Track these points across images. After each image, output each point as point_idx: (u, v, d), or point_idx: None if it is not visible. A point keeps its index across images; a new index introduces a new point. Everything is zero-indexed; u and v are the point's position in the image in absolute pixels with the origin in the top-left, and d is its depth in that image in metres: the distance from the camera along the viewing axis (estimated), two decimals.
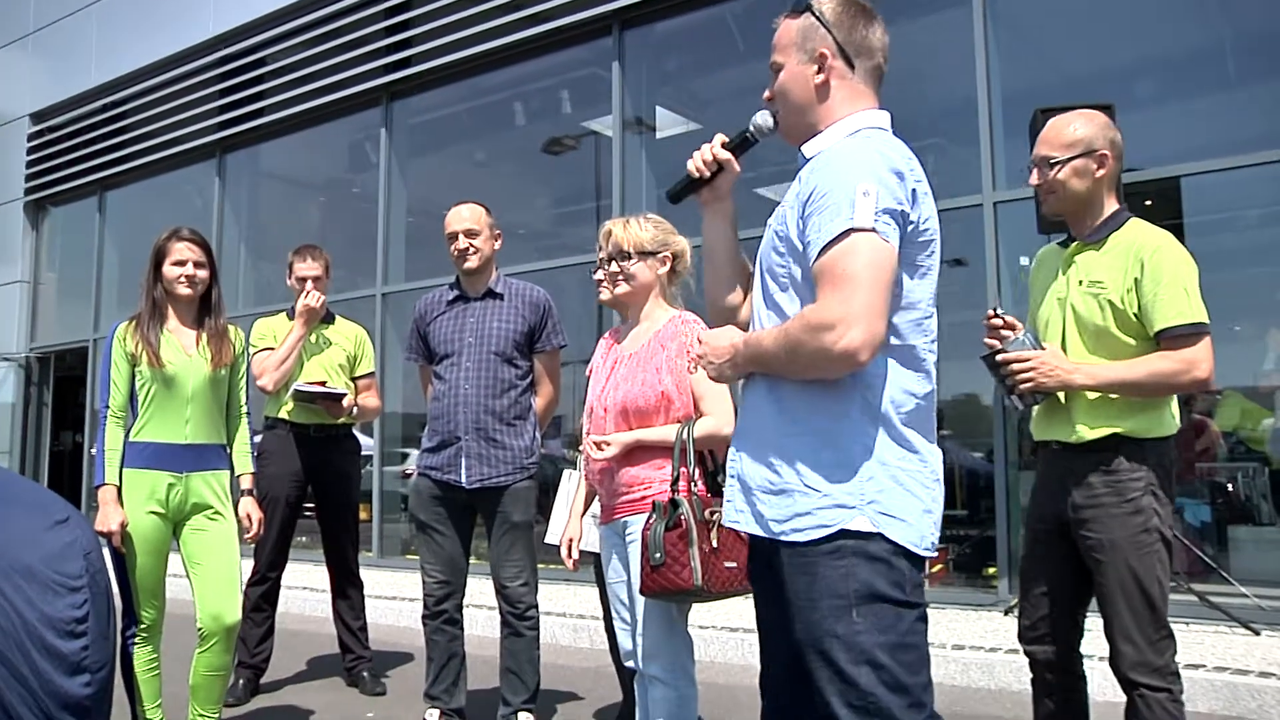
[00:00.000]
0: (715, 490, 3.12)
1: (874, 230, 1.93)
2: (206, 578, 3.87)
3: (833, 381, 2.01)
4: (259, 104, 11.45)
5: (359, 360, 5.57)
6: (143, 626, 3.86)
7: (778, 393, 2.10)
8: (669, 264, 3.42)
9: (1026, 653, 3.14)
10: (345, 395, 5.21)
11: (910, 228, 2.01)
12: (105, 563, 3.36)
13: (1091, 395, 2.95)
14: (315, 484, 5.39)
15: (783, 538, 2.04)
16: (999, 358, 3.07)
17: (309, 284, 5.28)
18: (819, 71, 2.15)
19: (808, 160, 2.16)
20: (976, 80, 7.13)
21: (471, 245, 4.39)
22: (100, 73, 13.33)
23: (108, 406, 3.90)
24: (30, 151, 14.38)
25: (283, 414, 5.26)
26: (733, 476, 2.20)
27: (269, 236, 12.50)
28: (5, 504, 3.54)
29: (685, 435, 3.15)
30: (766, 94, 2.26)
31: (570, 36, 9.25)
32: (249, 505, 4.06)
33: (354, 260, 10.68)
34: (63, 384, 14.55)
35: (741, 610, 6.30)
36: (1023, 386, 3.01)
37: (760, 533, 2.11)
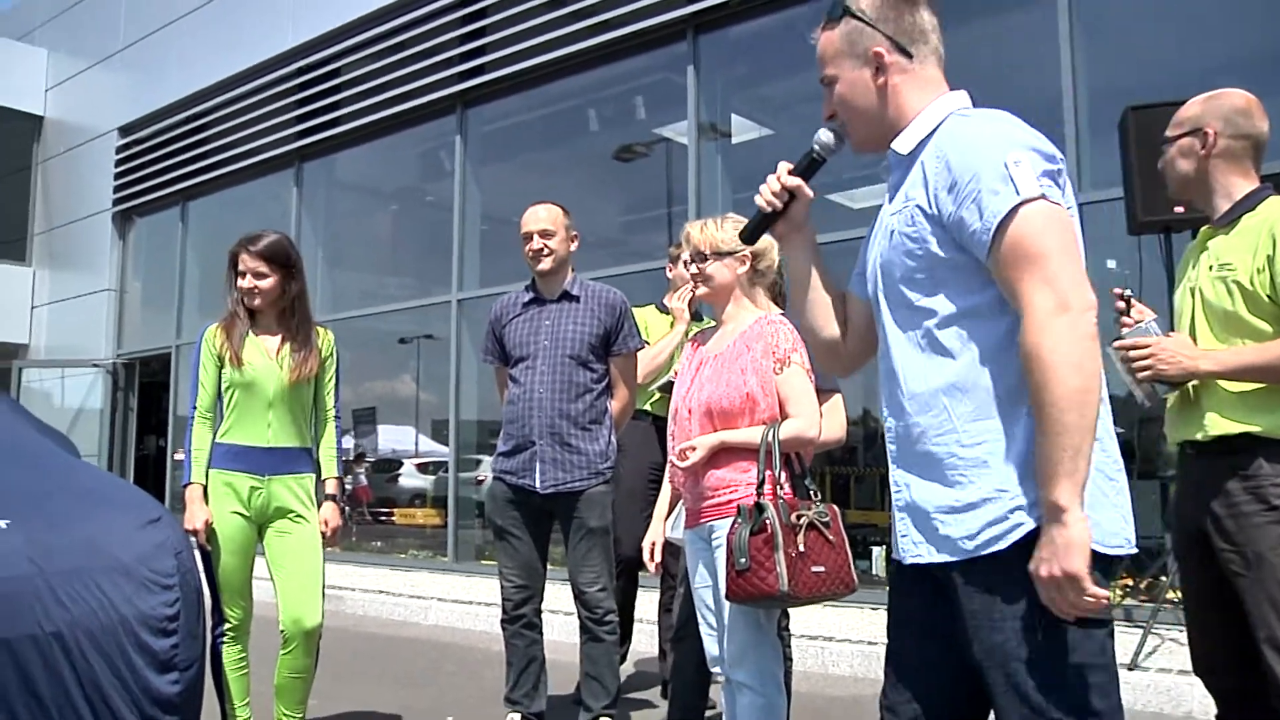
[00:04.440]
0: (802, 493, 3.03)
1: (1043, 198, 1.76)
2: (288, 581, 3.88)
3: (1003, 379, 1.82)
4: (335, 113, 11.54)
5: None
6: (230, 625, 3.89)
7: (939, 405, 1.89)
8: (748, 263, 3.33)
9: (1207, 686, 2.89)
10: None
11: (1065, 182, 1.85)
12: (195, 563, 3.36)
13: (1223, 388, 2.71)
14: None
15: (980, 553, 1.82)
16: (1114, 344, 2.89)
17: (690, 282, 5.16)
18: (878, 72, 1.98)
19: (902, 157, 1.99)
20: (1062, 81, 6.91)
21: (546, 246, 4.32)
22: (183, 86, 13.56)
23: (195, 407, 3.96)
24: (118, 164, 14.68)
25: (647, 406, 5.14)
26: (901, 508, 1.97)
27: (345, 244, 12.60)
28: (101, 503, 3.56)
29: (771, 437, 3.06)
30: (826, 112, 2.10)
31: (644, 42, 9.17)
32: (329, 511, 4.01)
33: (429, 267, 10.72)
34: (147, 389, 14.80)
35: (821, 618, 6.18)
36: (1141, 375, 2.83)
37: (949, 558, 1.87)
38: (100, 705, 3.15)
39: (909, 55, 1.98)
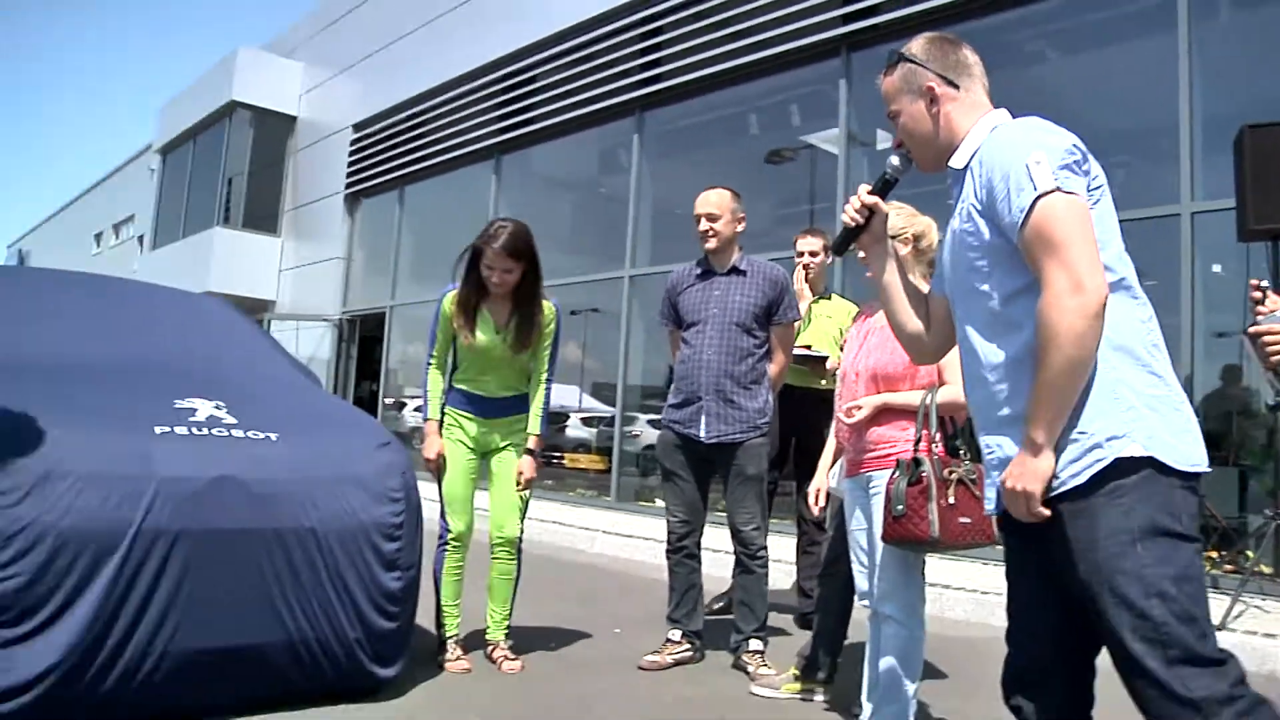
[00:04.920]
0: (953, 452, 2.91)
1: (1058, 189, 1.81)
2: (496, 499, 4.01)
3: None
4: (530, 114, 11.61)
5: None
6: (453, 535, 3.95)
7: (1014, 372, 1.89)
8: (910, 244, 3.18)
9: None
10: (828, 358, 4.99)
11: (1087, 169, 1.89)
12: (416, 481, 3.39)
13: None
14: (797, 437, 5.13)
15: (1063, 488, 1.80)
16: (1249, 330, 2.63)
17: (806, 257, 5.18)
18: (932, 103, 2.08)
19: (958, 170, 2.04)
20: (1179, 97, 6.46)
21: (712, 228, 4.21)
22: (405, 90, 13.85)
23: (432, 355, 4.05)
24: (350, 155, 15.11)
25: None
26: (995, 466, 1.94)
27: (537, 226, 12.56)
28: (342, 426, 3.64)
29: (929, 401, 2.94)
30: (896, 141, 2.20)
31: (802, 57, 8.90)
32: (526, 464, 4.00)
33: (606, 246, 10.72)
34: (365, 342, 15.24)
35: (939, 567, 5.95)
36: (1273, 359, 2.57)
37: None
38: (343, 592, 3.24)
39: (956, 86, 2.08)
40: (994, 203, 1.89)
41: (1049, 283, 1.78)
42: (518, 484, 3.97)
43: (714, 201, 4.25)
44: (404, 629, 3.42)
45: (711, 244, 4.23)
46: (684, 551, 4.21)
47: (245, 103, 16.92)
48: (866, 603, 3.15)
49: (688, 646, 4.15)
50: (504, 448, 4.02)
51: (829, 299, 5.29)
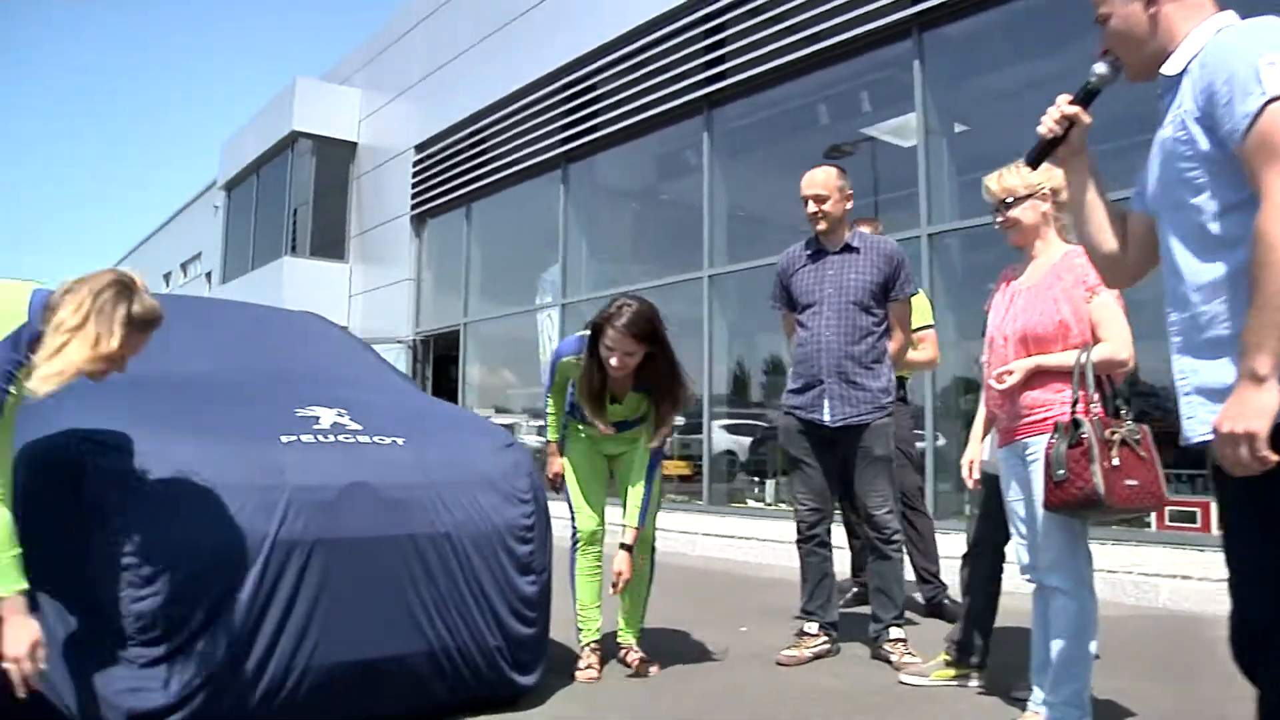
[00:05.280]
0: (1112, 412, 2.79)
1: None
2: (626, 497, 3.84)
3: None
4: (595, 120, 11.60)
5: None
6: (584, 535, 3.88)
7: (1222, 292, 1.76)
8: (1048, 200, 3.07)
9: None
10: None
11: None
12: (541, 481, 3.34)
13: None
14: None
15: None
16: None
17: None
18: (1150, 3, 1.90)
19: (1171, 78, 1.87)
20: None
21: (820, 210, 4.11)
22: (465, 108, 13.95)
23: (549, 389, 3.96)
24: (414, 176, 15.26)
25: None
26: (1188, 393, 1.81)
27: (606, 233, 12.64)
28: (463, 429, 3.57)
29: (1084, 360, 2.82)
30: (1102, 47, 2.01)
31: (872, 41, 8.76)
32: (621, 561, 3.71)
33: (681, 249, 10.65)
34: (440, 361, 15.33)
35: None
36: None
37: None
38: (481, 598, 3.17)
39: None
40: (1214, 108, 1.74)
41: (1269, 192, 1.64)
42: (614, 585, 3.74)
43: (820, 181, 4.15)
44: (541, 635, 3.35)
45: (821, 225, 4.14)
46: (815, 540, 4.11)
47: (306, 132, 17.24)
48: (1029, 577, 3.03)
49: (825, 639, 4.05)
50: (628, 453, 3.89)
51: None
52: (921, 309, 4.94)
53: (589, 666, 3.76)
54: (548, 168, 12.60)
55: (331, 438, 3.17)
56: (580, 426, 3.92)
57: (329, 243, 17.15)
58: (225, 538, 2.75)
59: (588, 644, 3.83)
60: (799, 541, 4.14)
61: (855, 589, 5.15)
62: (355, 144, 17.29)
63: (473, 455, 3.39)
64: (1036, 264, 3.10)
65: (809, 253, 4.23)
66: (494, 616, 3.18)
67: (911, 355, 4.75)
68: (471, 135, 13.94)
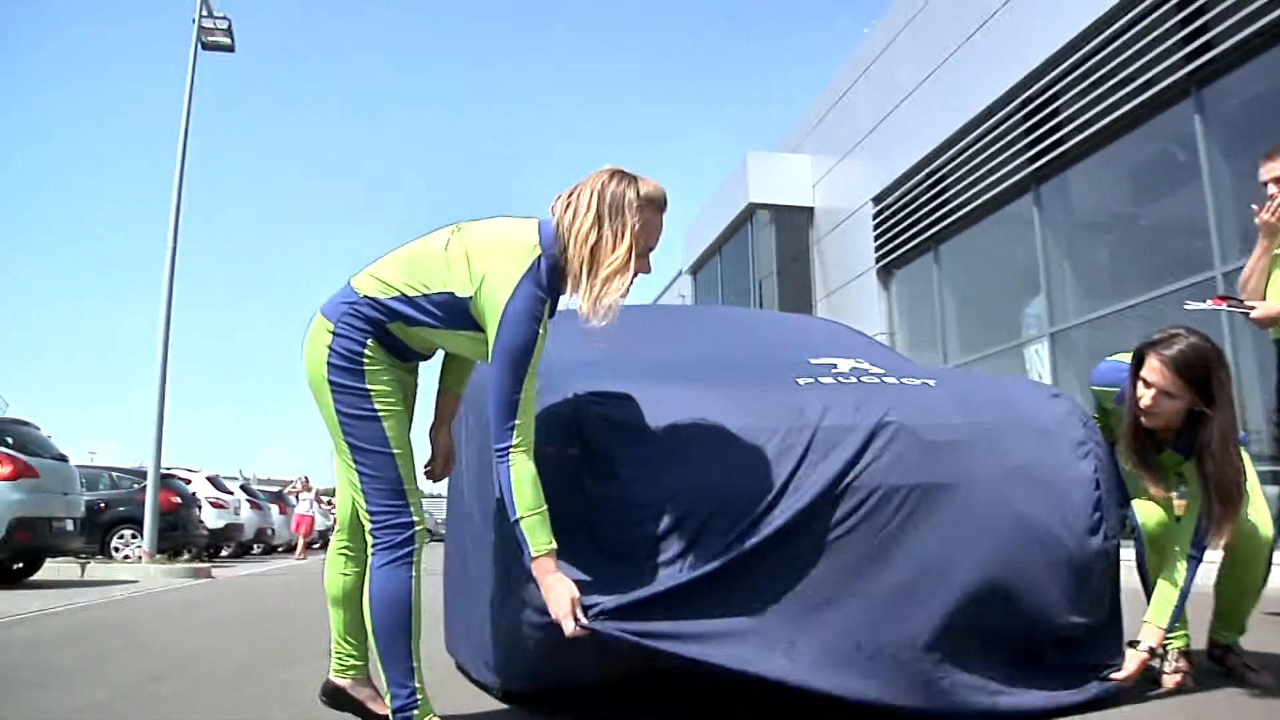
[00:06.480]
0: None
1: None
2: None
3: None
4: (1064, 130, 10.80)
5: None
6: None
7: None
8: None
9: None
10: (1255, 309, 4.22)
11: None
12: (1099, 432, 2.88)
13: None
14: None
15: None
16: None
17: (1271, 188, 4.10)
18: None
19: None
20: None
21: None
22: (919, 150, 13.79)
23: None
24: (875, 229, 15.30)
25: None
26: None
27: (1097, 249, 11.61)
28: (1001, 380, 3.36)
29: None
30: None
31: None
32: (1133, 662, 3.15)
33: (1183, 250, 9.49)
34: None
35: None
36: None
37: None
38: (1056, 565, 2.74)
39: None
40: None
41: None
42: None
43: None
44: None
45: None
46: None
47: (762, 203, 18.08)
48: None
49: None
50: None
51: None
52: None
53: (1175, 671, 3.18)
54: (1017, 192, 11.97)
55: (854, 379, 3.02)
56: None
57: (797, 308, 17.59)
58: (738, 482, 2.61)
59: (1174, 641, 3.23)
60: None
61: None
62: (811, 209, 17.78)
63: (1017, 399, 3.06)
64: None
65: None
66: (1067, 585, 2.74)
67: None
68: (929, 176, 13.71)
